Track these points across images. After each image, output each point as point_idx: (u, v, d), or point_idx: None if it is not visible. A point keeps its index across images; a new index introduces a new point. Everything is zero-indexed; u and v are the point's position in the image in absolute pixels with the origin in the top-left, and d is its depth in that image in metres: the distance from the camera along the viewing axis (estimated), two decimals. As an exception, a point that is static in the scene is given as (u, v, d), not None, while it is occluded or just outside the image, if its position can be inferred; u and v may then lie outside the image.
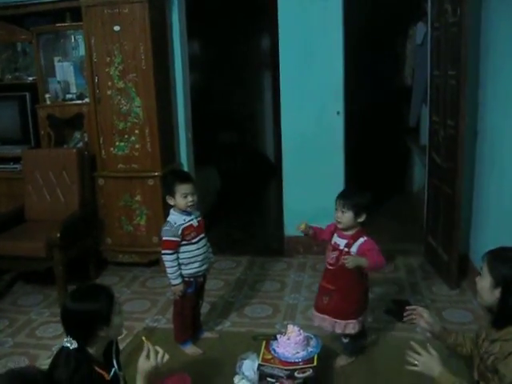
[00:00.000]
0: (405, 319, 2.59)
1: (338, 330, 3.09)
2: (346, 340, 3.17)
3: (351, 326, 3.06)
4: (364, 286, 3.15)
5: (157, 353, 2.30)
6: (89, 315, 2.15)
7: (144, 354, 2.29)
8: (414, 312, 2.54)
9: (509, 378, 1.98)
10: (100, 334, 2.17)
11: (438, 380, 2.15)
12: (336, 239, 3.06)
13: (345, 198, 3.00)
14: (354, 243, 2.99)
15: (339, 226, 3.02)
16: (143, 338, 2.38)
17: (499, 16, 3.67)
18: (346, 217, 2.97)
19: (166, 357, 2.33)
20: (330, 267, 3.07)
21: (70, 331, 2.18)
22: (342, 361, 3.19)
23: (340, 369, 3.12)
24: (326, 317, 3.10)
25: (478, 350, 2.26)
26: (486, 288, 2.16)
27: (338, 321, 3.07)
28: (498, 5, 3.68)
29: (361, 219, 2.99)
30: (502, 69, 3.61)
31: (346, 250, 2.99)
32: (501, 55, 3.64)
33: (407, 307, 2.62)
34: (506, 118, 3.55)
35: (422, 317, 2.50)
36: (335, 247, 3.04)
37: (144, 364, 2.28)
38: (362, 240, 2.98)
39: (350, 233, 3.02)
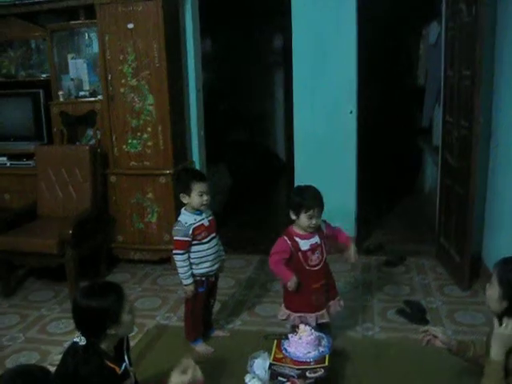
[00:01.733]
0: (420, 341, 2.59)
1: (339, 308, 3.24)
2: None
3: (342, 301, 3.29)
4: None
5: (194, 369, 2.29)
6: (97, 313, 2.15)
7: (180, 369, 2.28)
8: (426, 333, 2.52)
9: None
10: (109, 331, 2.17)
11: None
12: (309, 242, 3.11)
13: (320, 204, 3.06)
14: (323, 234, 3.15)
15: (311, 230, 3.08)
16: (187, 356, 2.35)
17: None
18: (320, 220, 3.10)
19: (199, 374, 2.32)
20: (316, 267, 3.13)
21: (79, 327, 2.20)
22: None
23: (351, 369, 3.10)
24: (330, 303, 3.21)
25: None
26: (494, 297, 2.17)
27: (336, 300, 3.24)
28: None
29: None
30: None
31: (323, 241, 3.14)
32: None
33: (421, 329, 2.64)
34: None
35: (436, 337, 2.49)
36: (315, 247, 3.11)
37: (179, 378, 2.26)
38: (323, 225, 3.16)
39: (311, 230, 3.10)
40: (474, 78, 3.74)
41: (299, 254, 3.09)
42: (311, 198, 3.06)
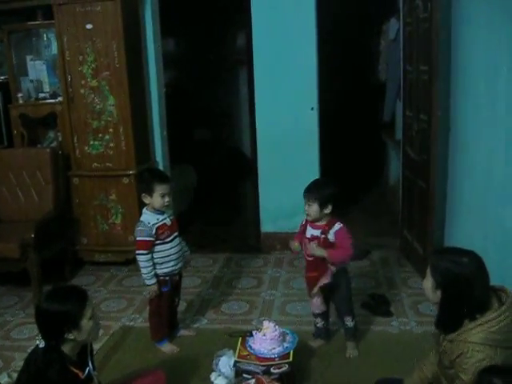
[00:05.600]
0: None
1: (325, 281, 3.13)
2: (351, 323, 3.22)
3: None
4: None
5: None
6: (56, 316, 2.14)
7: None
8: None
9: (466, 379, 1.99)
10: (68, 336, 2.15)
11: None
12: (311, 231, 3.12)
13: (310, 191, 3.08)
14: (330, 230, 3.07)
15: (308, 218, 3.11)
16: None
17: (469, 11, 3.70)
18: (313, 209, 3.05)
19: None
20: (310, 258, 3.13)
21: (40, 330, 2.19)
22: (353, 350, 3.23)
23: (315, 364, 3.12)
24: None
25: (439, 348, 2.24)
26: (429, 289, 2.16)
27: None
28: None
29: (327, 210, 3.06)
30: (471, 64, 3.65)
31: (323, 236, 3.06)
32: (470, 50, 3.68)
33: None
34: (476, 113, 3.59)
35: None
36: (313, 238, 3.09)
37: None
38: (337, 226, 3.07)
39: (322, 223, 3.09)
40: (431, 73, 3.80)
41: (305, 238, 3.16)
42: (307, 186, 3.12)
